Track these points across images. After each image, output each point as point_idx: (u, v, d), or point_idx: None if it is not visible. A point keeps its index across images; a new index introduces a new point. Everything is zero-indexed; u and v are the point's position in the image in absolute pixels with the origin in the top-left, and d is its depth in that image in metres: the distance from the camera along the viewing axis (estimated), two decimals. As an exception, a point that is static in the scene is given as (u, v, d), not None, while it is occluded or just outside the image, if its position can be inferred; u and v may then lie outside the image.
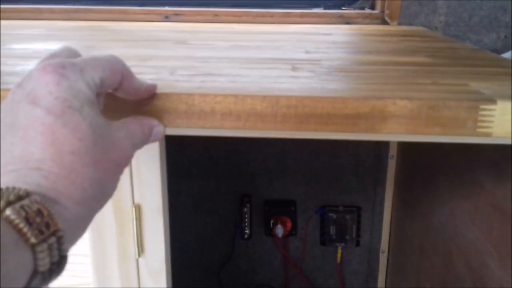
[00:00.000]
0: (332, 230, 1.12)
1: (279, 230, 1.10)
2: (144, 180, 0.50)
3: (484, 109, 0.35)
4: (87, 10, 0.97)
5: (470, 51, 0.64)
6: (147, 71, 0.45)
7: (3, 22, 0.89)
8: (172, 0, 1.00)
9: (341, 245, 1.14)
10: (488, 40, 0.93)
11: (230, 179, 1.12)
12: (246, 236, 1.13)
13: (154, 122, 0.36)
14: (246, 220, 1.11)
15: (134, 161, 0.49)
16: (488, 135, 0.36)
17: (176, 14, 0.96)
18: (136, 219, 0.51)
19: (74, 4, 1.00)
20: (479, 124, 0.35)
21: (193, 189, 1.12)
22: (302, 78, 0.43)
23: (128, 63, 0.34)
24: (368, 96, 0.36)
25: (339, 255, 1.15)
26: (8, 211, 0.24)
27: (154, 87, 0.37)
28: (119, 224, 0.52)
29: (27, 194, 0.25)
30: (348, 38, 0.76)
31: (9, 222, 0.24)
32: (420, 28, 0.90)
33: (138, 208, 0.51)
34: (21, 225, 0.24)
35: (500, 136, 0.36)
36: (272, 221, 1.11)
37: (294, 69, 0.47)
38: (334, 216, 1.11)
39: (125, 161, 0.33)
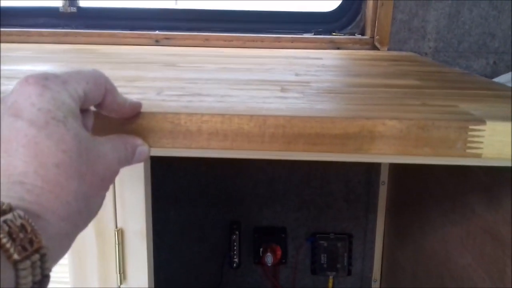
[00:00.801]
0: (323, 258, 1.10)
1: (269, 258, 1.07)
2: (128, 203, 0.49)
3: (474, 130, 0.35)
4: (76, 33, 0.97)
5: (459, 75, 0.64)
6: (133, 91, 0.44)
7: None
8: (163, 23, 1.00)
9: (332, 274, 1.11)
10: (477, 66, 0.94)
11: (219, 205, 1.10)
12: (234, 264, 1.10)
13: (138, 141, 0.35)
14: (235, 248, 1.09)
15: (117, 183, 0.48)
16: (478, 156, 0.35)
17: (167, 38, 0.96)
18: (118, 244, 0.49)
19: (63, 28, 0.99)
20: (469, 144, 0.35)
21: (180, 216, 1.10)
22: (290, 99, 0.42)
23: (115, 84, 0.33)
24: (357, 116, 0.36)
25: (330, 284, 1.13)
26: None
27: (139, 104, 0.36)
28: (101, 249, 0.50)
29: (10, 209, 0.24)
30: (338, 62, 0.77)
31: None
32: (410, 54, 0.91)
33: (120, 233, 0.49)
34: (4, 240, 0.23)
35: (490, 157, 0.35)
36: (261, 249, 1.09)
37: (283, 90, 0.47)
38: (325, 244, 1.10)
39: (111, 176, 0.32)
